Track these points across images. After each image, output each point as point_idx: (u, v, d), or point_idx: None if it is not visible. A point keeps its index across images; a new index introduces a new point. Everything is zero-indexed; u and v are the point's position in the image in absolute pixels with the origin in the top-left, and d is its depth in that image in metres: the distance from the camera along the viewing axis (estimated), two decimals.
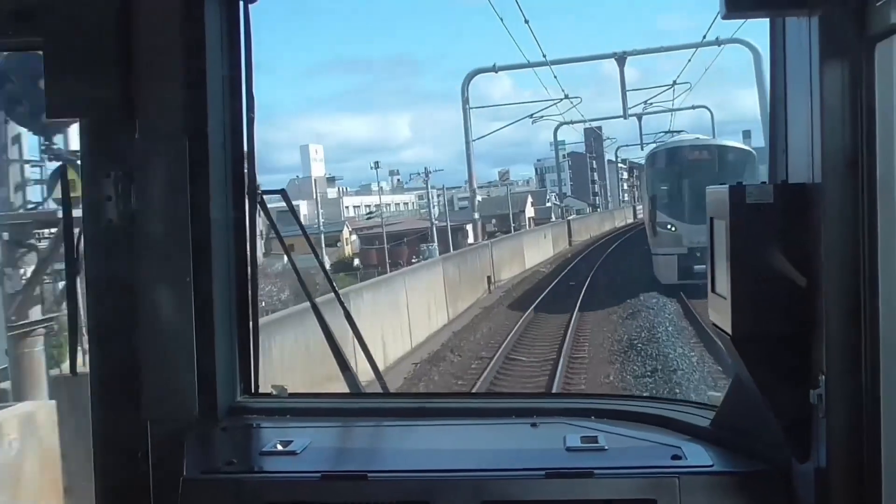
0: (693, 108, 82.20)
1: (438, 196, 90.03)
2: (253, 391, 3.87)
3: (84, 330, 3.57)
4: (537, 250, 66.32)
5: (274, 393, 3.94)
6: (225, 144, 3.68)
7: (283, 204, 4.17)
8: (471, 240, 68.94)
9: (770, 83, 3.13)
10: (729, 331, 2.93)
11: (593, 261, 59.83)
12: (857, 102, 2.65)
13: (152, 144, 3.43)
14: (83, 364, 3.60)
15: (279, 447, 3.49)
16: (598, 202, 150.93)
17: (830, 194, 2.69)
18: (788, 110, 3.00)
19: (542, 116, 67.97)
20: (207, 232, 3.53)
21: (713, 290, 3.10)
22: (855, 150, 2.65)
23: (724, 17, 2.84)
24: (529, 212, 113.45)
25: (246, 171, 3.79)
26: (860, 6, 2.61)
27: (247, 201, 3.80)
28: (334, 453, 3.79)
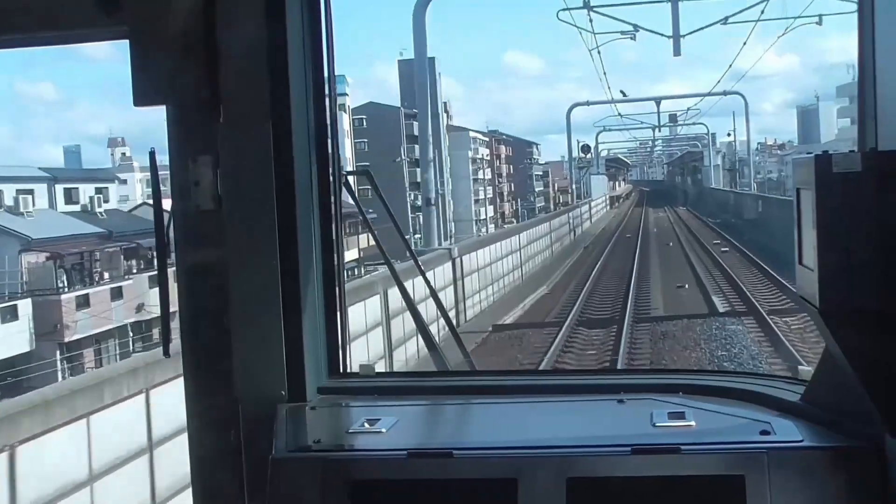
0: None
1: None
2: (341, 371, 3.92)
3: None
4: None
5: (361, 373, 3.99)
6: (308, 126, 3.71)
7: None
8: None
9: (858, 46, 3.02)
10: (817, 303, 2.84)
11: None
12: None
13: (236, 128, 3.48)
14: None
15: (366, 426, 3.52)
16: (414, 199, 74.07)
17: None
18: (878, 74, 2.88)
19: None
20: (293, 214, 3.58)
21: (800, 263, 3.01)
22: None
23: None
24: None
25: (330, 151, 3.83)
26: None
27: (332, 182, 3.84)
28: (421, 431, 3.82)
